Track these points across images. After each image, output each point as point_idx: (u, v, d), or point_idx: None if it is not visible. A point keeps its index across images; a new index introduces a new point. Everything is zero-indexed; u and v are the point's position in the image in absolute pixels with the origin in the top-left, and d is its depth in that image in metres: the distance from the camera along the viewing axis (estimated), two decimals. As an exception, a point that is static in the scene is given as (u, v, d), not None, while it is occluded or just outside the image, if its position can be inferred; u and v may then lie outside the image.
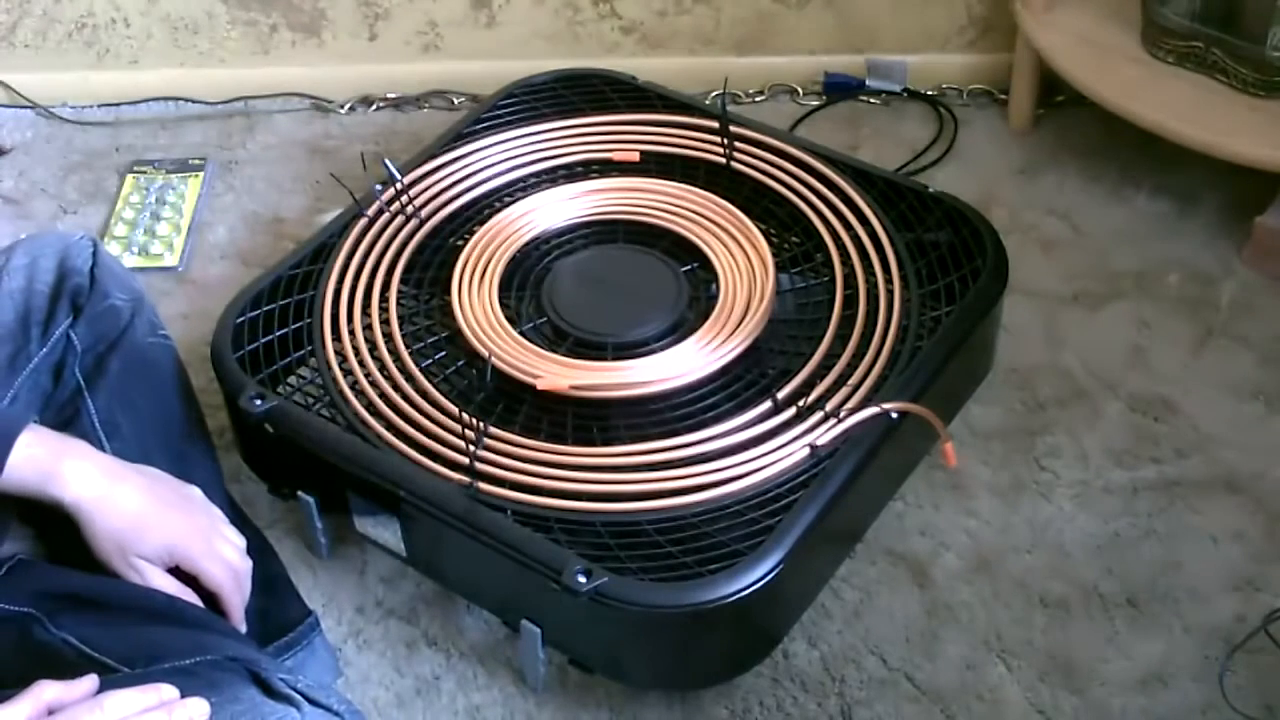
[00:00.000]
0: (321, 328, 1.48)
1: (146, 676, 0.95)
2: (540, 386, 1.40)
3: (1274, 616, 1.39)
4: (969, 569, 1.46)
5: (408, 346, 1.47)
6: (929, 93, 2.03)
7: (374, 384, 1.43)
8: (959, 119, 1.99)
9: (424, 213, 1.61)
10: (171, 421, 1.33)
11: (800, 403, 1.37)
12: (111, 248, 1.82)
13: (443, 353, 1.48)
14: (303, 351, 1.47)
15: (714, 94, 1.99)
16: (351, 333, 1.48)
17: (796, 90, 2.05)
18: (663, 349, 1.45)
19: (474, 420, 1.36)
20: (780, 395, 1.39)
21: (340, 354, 1.46)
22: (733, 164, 1.66)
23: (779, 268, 1.53)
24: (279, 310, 1.50)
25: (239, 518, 1.33)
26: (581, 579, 1.22)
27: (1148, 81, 1.78)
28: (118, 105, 2.08)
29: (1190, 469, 1.54)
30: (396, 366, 1.45)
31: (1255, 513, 1.49)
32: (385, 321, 1.50)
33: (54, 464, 1.09)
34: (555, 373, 1.42)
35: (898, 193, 1.60)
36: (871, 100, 2.04)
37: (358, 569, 1.47)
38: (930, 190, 1.60)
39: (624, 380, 1.41)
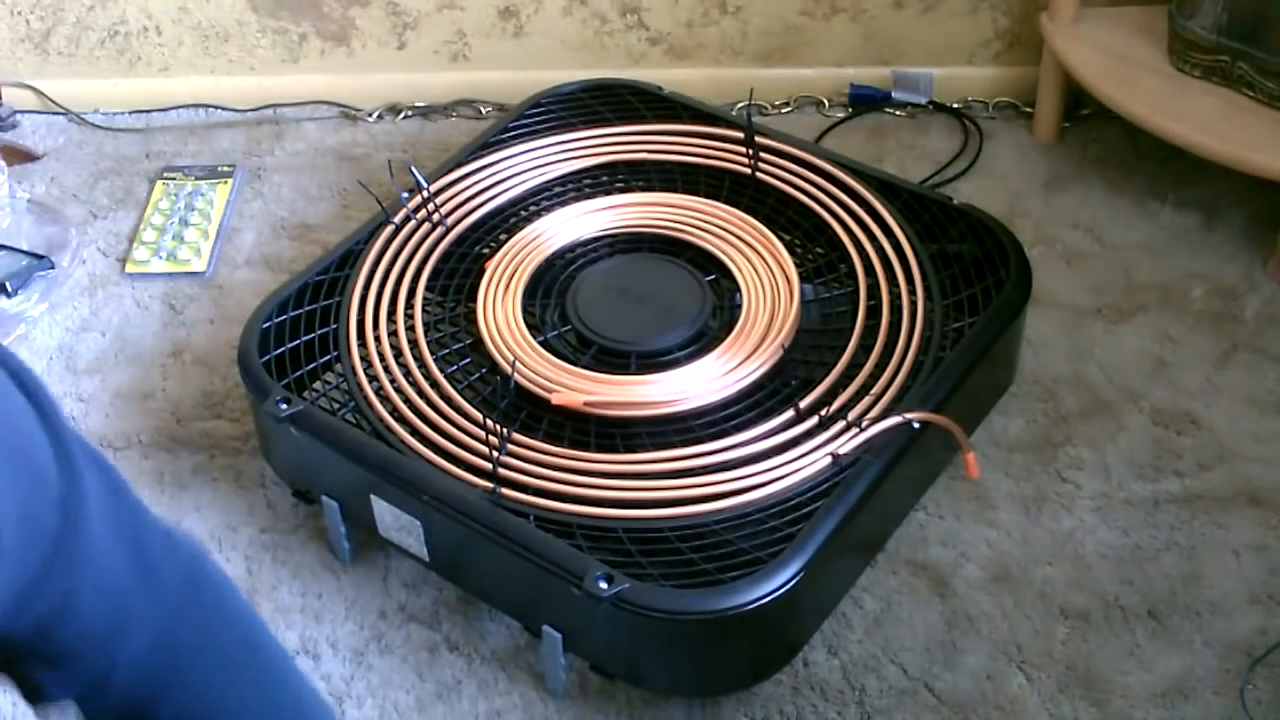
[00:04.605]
0: (347, 333, 1.49)
1: None
2: (555, 401, 1.41)
3: (1296, 631, 1.39)
4: (990, 579, 1.46)
5: (432, 353, 1.48)
6: (954, 105, 2.03)
7: (398, 389, 1.44)
8: (984, 132, 1.99)
9: (450, 220, 1.62)
10: None
11: (822, 412, 1.38)
12: (140, 253, 1.84)
13: (467, 360, 1.49)
14: (328, 357, 1.49)
15: (740, 105, 1.99)
16: (377, 339, 1.49)
17: (822, 102, 2.06)
18: (686, 360, 1.46)
19: (497, 426, 1.36)
20: (803, 404, 1.39)
21: (365, 359, 1.47)
22: (758, 174, 1.66)
23: (803, 278, 1.53)
24: (305, 316, 1.51)
25: None
26: (603, 585, 1.22)
27: (1173, 95, 1.78)
28: (148, 112, 2.09)
29: (1212, 482, 1.54)
30: (421, 372, 1.46)
31: (1277, 526, 1.49)
32: (410, 328, 1.51)
33: None
34: (574, 385, 1.42)
35: (922, 204, 1.61)
36: (897, 112, 2.04)
37: (380, 574, 1.48)
38: (955, 202, 1.60)
39: (639, 399, 1.42)
